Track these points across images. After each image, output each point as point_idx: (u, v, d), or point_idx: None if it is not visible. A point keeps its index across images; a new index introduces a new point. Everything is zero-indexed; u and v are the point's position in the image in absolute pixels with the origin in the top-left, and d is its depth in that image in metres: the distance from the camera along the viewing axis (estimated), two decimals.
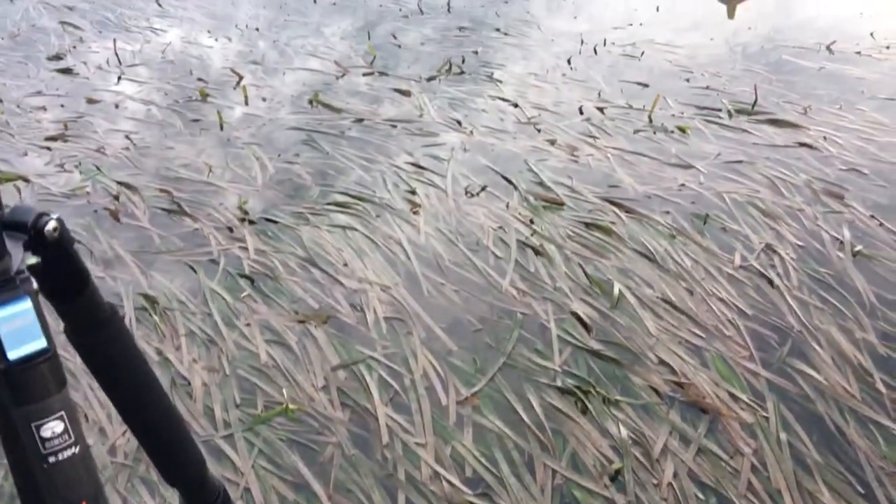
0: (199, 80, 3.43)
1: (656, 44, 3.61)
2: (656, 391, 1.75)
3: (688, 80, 3.27)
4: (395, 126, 3.07)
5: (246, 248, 2.32)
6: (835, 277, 2.09)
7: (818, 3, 3.95)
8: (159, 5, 4.24)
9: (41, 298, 0.59)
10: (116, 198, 2.58)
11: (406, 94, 3.31)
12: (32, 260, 0.61)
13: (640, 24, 3.82)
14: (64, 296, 0.68)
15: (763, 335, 1.91)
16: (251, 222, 2.47)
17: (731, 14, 4.03)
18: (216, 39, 3.85)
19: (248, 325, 2.00)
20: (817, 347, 1.86)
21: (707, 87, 3.19)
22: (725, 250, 2.24)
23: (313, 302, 2.09)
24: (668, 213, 2.44)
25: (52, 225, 0.62)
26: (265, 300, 2.10)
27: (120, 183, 2.66)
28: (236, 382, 1.83)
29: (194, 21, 4.07)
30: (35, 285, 0.59)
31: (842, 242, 2.23)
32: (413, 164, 2.80)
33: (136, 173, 2.74)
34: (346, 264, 2.26)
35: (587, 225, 2.42)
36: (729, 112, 2.99)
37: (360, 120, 3.12)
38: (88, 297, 0.70)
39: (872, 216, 2.34)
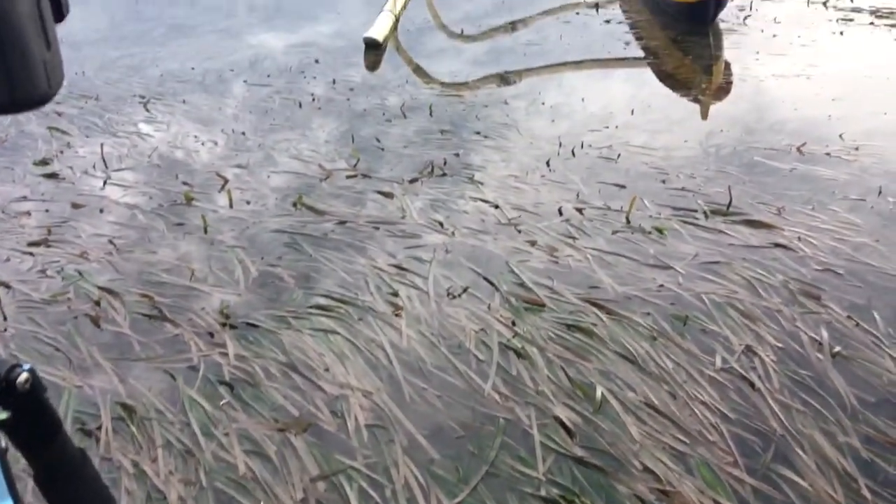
0: (185, 183, 3.48)
1: (632, 146, 3.71)
2: (642, 500, 1.73)
3: (664, 182, 3.35)
4: (377, 228, 3.11)
5: (226, 354, 2.31)
6: (815, 380, 2.10)
7: (788, 107, 4.09)
8: (147, 110, 4.33)
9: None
10: (97, 303, 2.58)
11: (389, 195, 3.37)
12: (3, 415, 0.60)
13: (616, 127, 3.94)
14: (34, 445, 0.68)
15: (747, 440, 1.90)
16: (232, 327, 2.46)
17: (704, 115, 4.17)
18: (202, 143, 3.92)
19: (226, 434, 1.98)
20: (801, 452, 1.85)
21: (683, 189, 3.27)
22: (706, 352, 2.25)
23: (293, 409, 2.07)
24: (648, 314, 2.46)
25: (23, 377, 0.62)
26: (245, 408, 2.08)
27: (101, 288, 2.66)
28: (213, 495, 1.79)
29: (181, 125, 4.15)
30: (3, 443, 0.58)
31: (821, 344, 2.25)
32: (395, 266, 2.82)
33: (119, 278, 2.74)
34: (327, 369, 2.24)
35: (569, 326, 2.43)
36: (705, 213, 3.05)
37: (344, 222, 3.16)
38: (59, 444, 0.69)
39: (849, 317, 2.37)
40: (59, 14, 0.54)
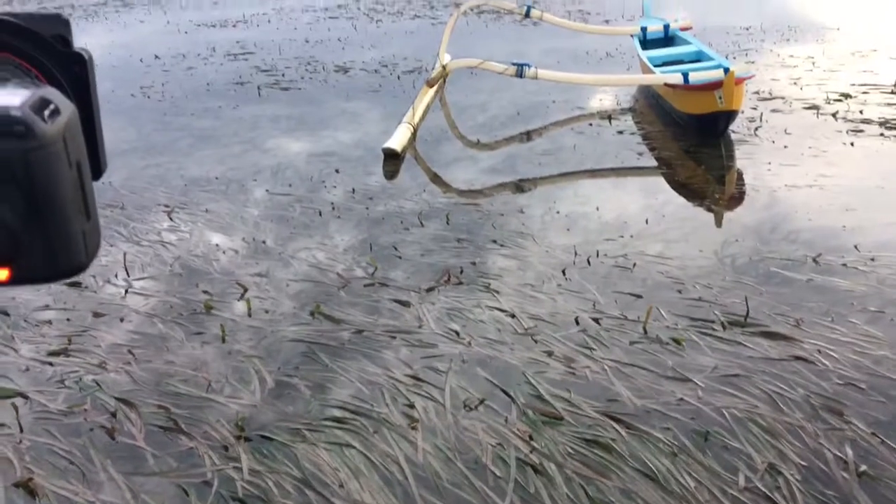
0: (205, 292, 3.53)
1: (647, 255, 3.74)
2: None
3: (680, 292, 3.35)
4: (394, 337, 3.11)
5: (240, 469, 2.28)
6: (841, 500, 2.05)
7: (802, 217, 4.13)
8: (170, 219, 4.44)
9: None
10: (114, 415, 2.58)
11: (406, 304, 3.39)
12: None
13: (631, 236, 3.98)
14: None
15: None
16: (247, 440, 2.45)
17: (718, 224, 4.21)
18: (223, 252, 4.00)
19: None
20: None
21: (699, 299, 3.27)
22: (729, 470, 2.20)
23: None
24: (668, 429, 2.42)
25: None
26: None
27: (118, 399, 2.66)
28: None
29: (203, 234, 4.24)
30: None
31: (845, 462, 2.20)
32: (412, 377, 2.82)
33: (136, 389, 2.75)
34: (342, 485, 2.21)
35: (587, 441, 2.39)
36: (722, 324, 3.05)
37: (361, 331, 3.17)
38: None
39: (874, 433, 2.32)
40: (98, 172, 0.57)
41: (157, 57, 9.57)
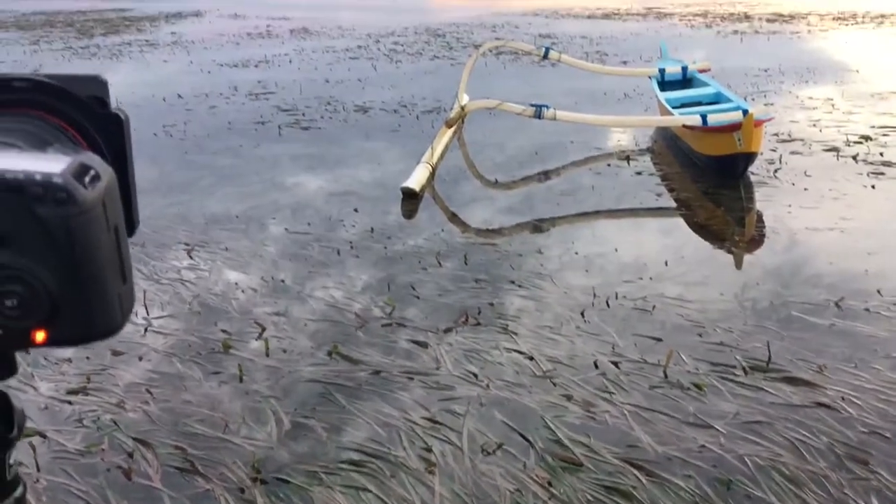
0: (223, 331, 3.54)
1: (667, 298, 3.72)
2: None
3: (700, 336, 3.32)
4: (411, 378, 3.10)
5: None
6: None
7: (823, 260, 4.10)
8: (190, 257, 4.46)
9: None
10: (131, 455, 2.57)
11: (423, 345, 3.38)
12: None
13: (651, 278, 3.96)
14: None
15: None
16: (263, 482, 2.43)
17: (738, 267, 4.18)
18: (242, 291, 4.01)
19: None
20: None
21: (720, 343, 3.24)
22: None
23: None
24: (689, 476, 2.38)
25: None
26: None
27: (136, 439, 2.66)
28: None
29: (223, 272, 4.26)
30: None
31: None
32: (429, 420, 2.80)
33: (153, 429, 2.74)
34: None
35: (607, 488, 2.36)
36: (744, 369, 3.01)
37: (378, 372, 3.16)
38: None
39: None
40: (131, 228, 0.58)
41: (179, 96, 9.72)
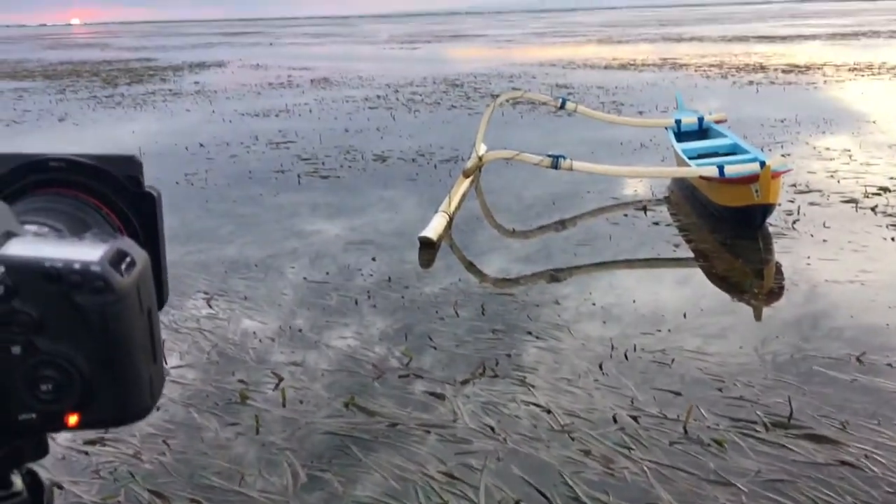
0: (241, 381, 3.54)
1: (686, 350, 3.69)
2: None
3: (720, 390, 3.29)
4: (428, 431, 3.08)
5: None
6: None
7: (844, 314, 4.06)
8: (209, 306, 4.50)
9: None
10: None
11: (440, 397, 3.37)
12: None
13: (669, 330, 3.94)
14: None
15: None
16: None
17: (757, 319, 4.15)
18: (260, 340, 4.02)
19: None
20: None
21: (741, 398, 3.21)
22: None
23: None
24: None
25: None
26: None
27: (152, 491, 2.65)
28: None
29: (241, 322, 4.28)
30: None
31: None
32: (446, 474, 2.77)
33: (169, 481, 2.73)
34: None
35: None
36: (765, 425, 2.97)
37: (394, 424, 3.14)
38: None
39: None
40: (161, 302, 0.59)
41: (201, 145, 9.89)
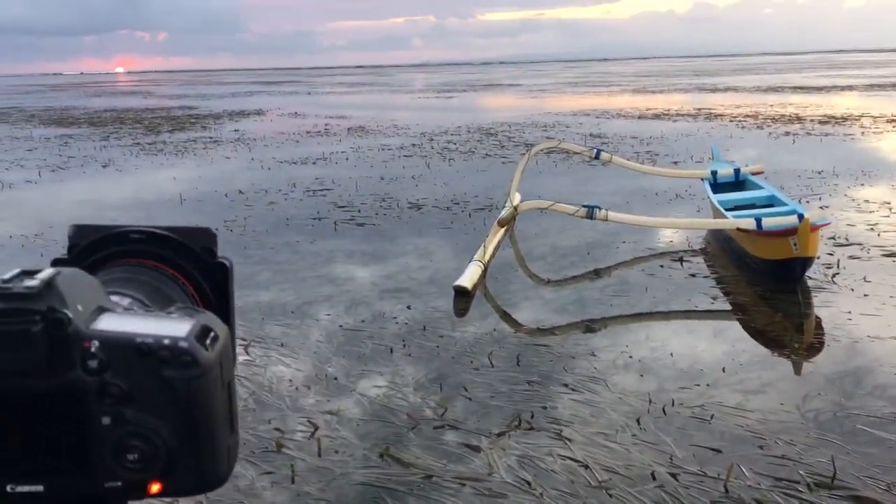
0: (276, 429, 3.55)
1: (725, 406, 3.63)
2: None
3: (762, 448, 3.23)
4: (463, 484, 3.06)
5: None
6: None
7: (887, 371, 3.97)
8: (246, 353, 4.53)
9: None
10: None
11: (476, 449, 3.34)
12: None
13: (708, 385, 3.88)
14: None
15: None
16: None
17: (797, 374, 4.08)
18: (296, 388, 4.04)
19: None
20: None
21: (783, 456, 3.14)
22: None
23: None
24: None
25: None
26: None
27: None
28: None
29: (277, 369, 4.31)
30: None
31: None
32: None
33: None
34: None
35: None
36: (808, 485, 2.90)
37: (429, 476, 3.12)
38: None
39: None
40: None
41: (240, 192, 10.06)
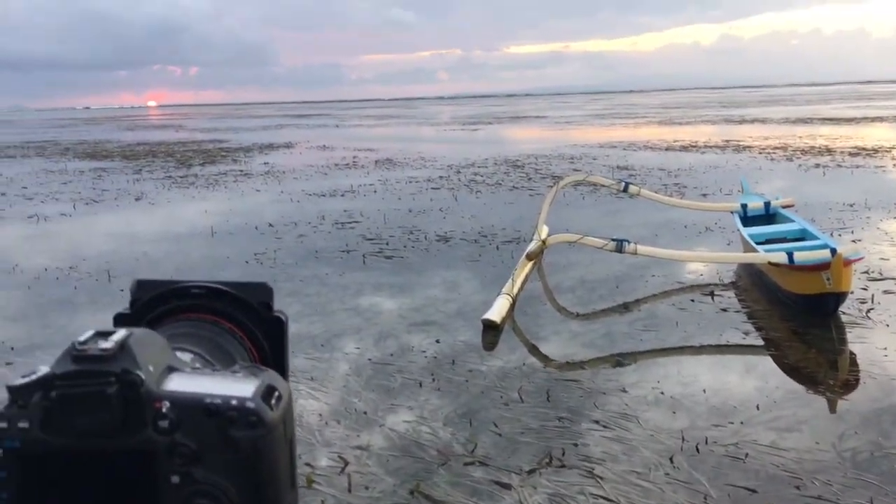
0: (307, 464, 3.56)
1: (760, 445, 3.58)
2: None
3: (798, 488, 3.17)
4: None
5: None
6: None
7: None
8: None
9: None
10: None
11: (506, 486, 3.32)
12: None
13: (742, 423, 3.83)
14: None
15: None
16: None
17: (832, 411, 4.01)
18: (326, 423, 4.05)
19: None
20: None
21: (819, 497, 3.08)
22: None
23: None
24: None
25: None
26: None
27: None
28: None
29: (307, 403, 4.32)
30: None
31: None
32: None
33: None
34: None
35: None
36: None
37: None
38: None
39: None
40: None
41: (270, 225, 10.17)
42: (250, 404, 0.48)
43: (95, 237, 9.75)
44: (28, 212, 12.15)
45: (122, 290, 6.88)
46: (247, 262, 7.95)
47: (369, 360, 5.02)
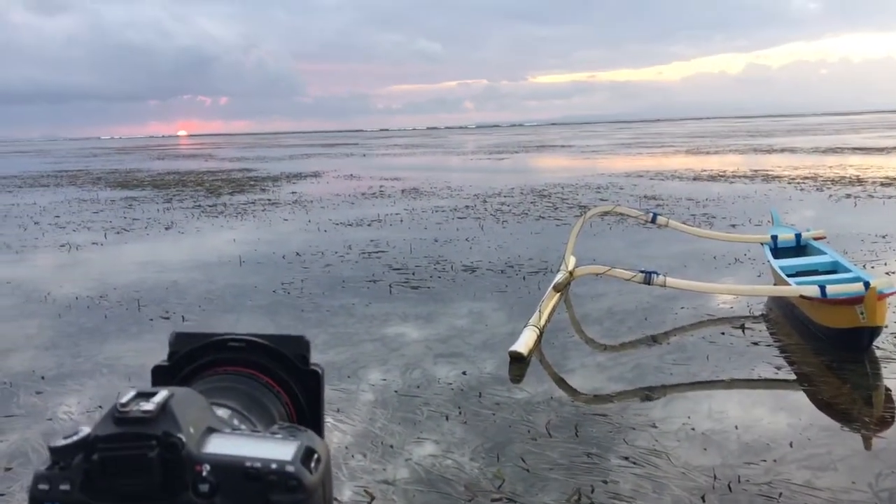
0: (335, 499, 3.53)
1: (794, 484, 3.50)
2: None
3: None
4: None
5: None
6: None
7: None
8: None
9: None
10: None
11: None
12: None
13: (775, 461, 3.75)
14: None
15: None
16: None
17: (867, 448, 3.92)
18: (352, 455, 4.03)
19: None
20: None
21: None
22: None
23: None
24: None
25: None
26: None
27: None
28: None
29: (333, 436, 4.31)
30: None
31: None
32: None
33: None
34: None
35: None
36: None
37: None
38: None
39: None
40: None
41: (298, 254, 10.23)
42: (290, 468, 0.48)
43: (126, 266, 9.86)
44: (60, 240, 12.34)
45: (151, 320, 6.95)
46: (274, 291, 7.98)
47: (395, 391, 5.00)
